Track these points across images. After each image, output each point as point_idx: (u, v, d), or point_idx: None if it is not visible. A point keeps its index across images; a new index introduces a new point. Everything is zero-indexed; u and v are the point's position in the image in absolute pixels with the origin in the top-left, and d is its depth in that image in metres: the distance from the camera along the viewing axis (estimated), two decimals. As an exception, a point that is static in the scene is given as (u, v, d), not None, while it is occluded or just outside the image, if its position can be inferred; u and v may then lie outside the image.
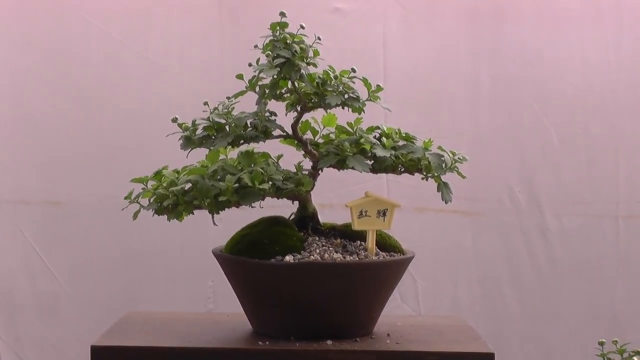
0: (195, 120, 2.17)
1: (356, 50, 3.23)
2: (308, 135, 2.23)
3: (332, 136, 2.22)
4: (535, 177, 3.28)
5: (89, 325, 3.18)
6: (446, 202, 2.15)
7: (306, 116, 2.22)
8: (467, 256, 3.29)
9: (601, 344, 2.25)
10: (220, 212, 2.09)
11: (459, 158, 2.14)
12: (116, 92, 3.21)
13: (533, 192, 3.28)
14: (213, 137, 2.16)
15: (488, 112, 3.28)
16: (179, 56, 3.23)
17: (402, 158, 2.13)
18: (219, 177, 2.09)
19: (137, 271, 3.23)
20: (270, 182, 2.08)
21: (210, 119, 2.15)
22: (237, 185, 2.06)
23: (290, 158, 2.23)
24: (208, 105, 2.17)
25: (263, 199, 2.10)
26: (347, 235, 2.19)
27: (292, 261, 2.07)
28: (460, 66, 3.29)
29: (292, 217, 2.23)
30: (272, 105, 2.21)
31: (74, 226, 3.22)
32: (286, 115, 2.22)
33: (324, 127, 2.22)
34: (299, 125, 2.20)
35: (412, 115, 3.24)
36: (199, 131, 2.17)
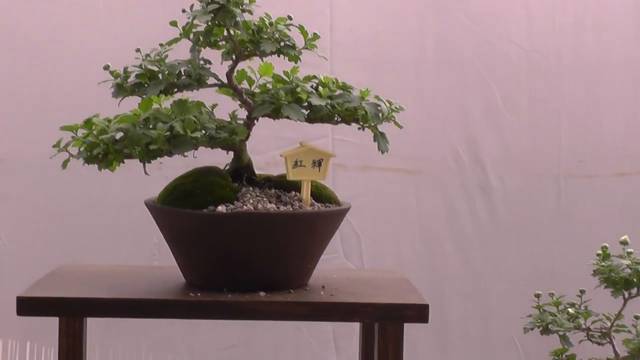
0: (127, 68, 2.03)
1: (303, 9, 3.09)
2: (245, 84, 2.10)
3: (269, 86, 2.10)
4: (479, 136, 3.18)
5: (29, 281, 3.03)
6: (383, 153, 2.04)
7: (244, 65, 2.09)
8: (410, 214, 3.19)
9: (537, 296, 2.16)
10: (151, 161, 1.96)
11: (395, 107, 2.02)
12: (58, 46, 3.06)
13: (476, 152, 3.18)
14: (146, 85, 2.03)
15: (433, 73, 3.17)
16: (123, 11, 3.08)
17: (338, 107, 2.01)
18: (151, 125, 1.96)
19: (80, 228, 3.10)
20: (203, 131, 1.96)
21: (143, 66, 2.02)
22: (168, 133, 1.93)
23: (228, 108, 2.10)
24: (140, 53, 2.04)
25: (196, 149, 1.98)
26: (282, 186, 2.07)
27: (225, 211, 1.95)
28: (406, 26, 3.17)
29: (227, 167, 2.10)
30: (209, 54, 2.08)
31: (15, 181, 3.07)
32: (221, 63, 2.09)
33: (260, 77, 2.09)
34: (235, 74, 2.07)
35: (357, 75, 3.12)
36: (131, 79, 2.04)
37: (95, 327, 3.00)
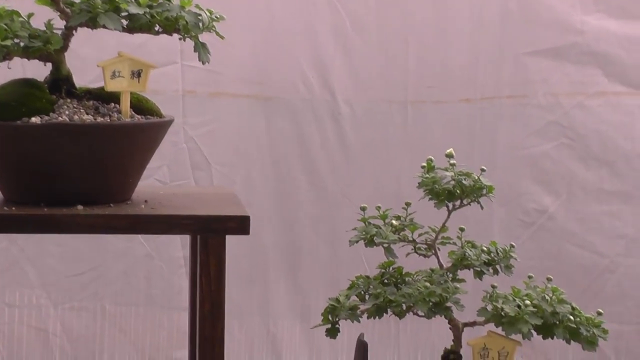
0: None
1: None
2: (65, -6, 1.97)
3: (91, -5, 1.97)
4: (328, 62, 3.09)
5: None
6: (203, 63, 1.94)
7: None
8: (261, 140, 3.09)
9: (363, 209, 2.10)
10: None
11: (216, 17, 1.92)
12: None
13: (326, 77, 3.10)
14: (-44, -7, 1.89)
15: (282, -3, 3.07)
16: None
17: (158, 17, 1.90)
18: (-39, 35, 1.82)
19: None
20: (16, 40, 1.83)
21: (-49, -27, 1.88)
22: (-22, 42, 1.80)
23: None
24: (-52, -41, 1.90)
25: (10, 59, 1.86)
26: (102, 98, 1.96)
27: (39, 122, 1.83)
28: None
29: (46, 79, 1.98)
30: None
31: None
32: (39, -28, 1.96)
33: (82, -14, 1.96)
34: (53, -18, 1.94)
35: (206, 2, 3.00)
36: (-61, -13, 1.90)
37: None
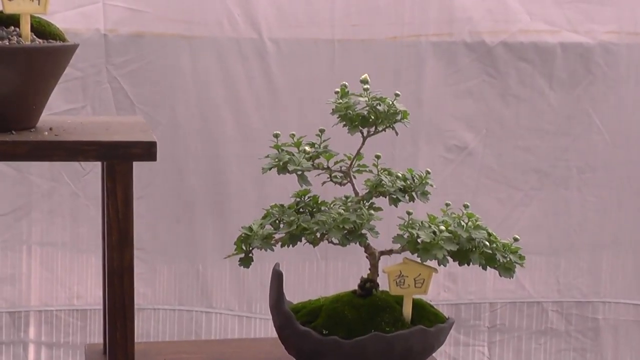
0: None
1: None
2: None
3: None
4: (254, 0, 2.96)
5: None
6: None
7: None
8: (186, 80, 2.95)
9: (276, 136, 1.98)
10: None
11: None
12: None
13: (252, 15, 2.96)
14: None
15: None
16: None
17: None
18: None
19: None
20: None
21: None
22: None
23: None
24: None
25: None
26: (0, 21, 1.81)
27: None
28: None
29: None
30: None
31: None
32: None
33: None
34: None
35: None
36: None
37: None
